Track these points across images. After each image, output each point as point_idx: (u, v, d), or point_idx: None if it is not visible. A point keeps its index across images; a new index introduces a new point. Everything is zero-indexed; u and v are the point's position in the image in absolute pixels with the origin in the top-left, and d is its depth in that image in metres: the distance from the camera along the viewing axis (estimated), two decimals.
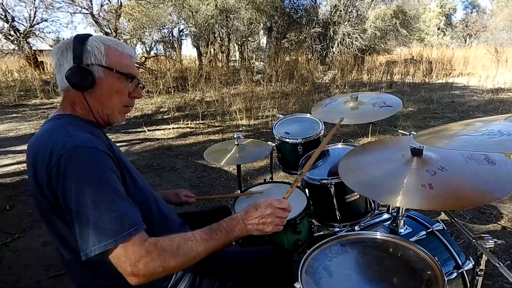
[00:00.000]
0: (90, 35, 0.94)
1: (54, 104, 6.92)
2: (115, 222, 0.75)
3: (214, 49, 10.76)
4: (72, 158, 0.77)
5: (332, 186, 1.42)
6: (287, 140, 1.87)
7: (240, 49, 12.48)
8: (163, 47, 12.86)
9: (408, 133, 1.44)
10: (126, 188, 0.88)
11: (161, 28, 12.20)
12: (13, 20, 9.58)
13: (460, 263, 1.14)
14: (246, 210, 0.95)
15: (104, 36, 0.97)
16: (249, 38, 12.35)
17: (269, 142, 1.90)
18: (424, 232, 1.21)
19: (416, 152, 1.01)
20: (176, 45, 12.92)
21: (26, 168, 0.94)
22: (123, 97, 0.97)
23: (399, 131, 1.53)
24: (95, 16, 9.57)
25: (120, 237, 0.75)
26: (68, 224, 0.80)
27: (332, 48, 10.66)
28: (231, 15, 10.65)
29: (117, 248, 0.75)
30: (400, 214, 1.21)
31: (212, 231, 0.88)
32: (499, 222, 2.39)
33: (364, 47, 10.63)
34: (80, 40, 0.90)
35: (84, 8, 9.44)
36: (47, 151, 0.79)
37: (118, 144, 4.33)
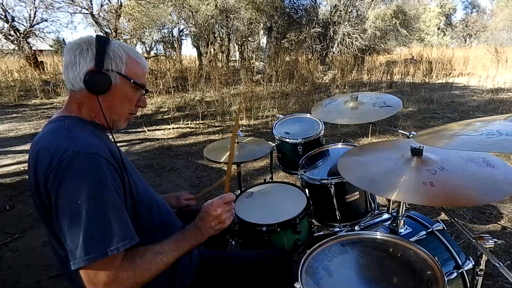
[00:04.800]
0: (109, 38, 0.94)
1: (54, 104, 6.91)
2: (100, 237, 0.77)
3: (214, 49, 10.76)
4: (72, 164, 0.77)
5: (332, 186, 1.42)
6: (287, 140, 1.87)
7: (240, 49, 12.48)
8: (163, 47, 12.85)
9: (408, 133, 1.44)
10: (126, 195, 0.88)
11: (161, 28, 12.20)
12: (13, 20, 9.58)
13: (460, 263, 1.14)
14: (200, 217, 1.01)
15: (123, 42, 0.97)
16: (249, 38, 12.35)
17: (269, 142, 1.90)
18: (424, 232, 1.21)
19: (416, 152, 1.01)
20: (176, 45, 12.92)
21: (26, 168, 0.93)
22: (131, 105, 0.99)
23: (399, 131, 1.53)
24: (95, 16, 9.56)
25: (100, 254, 0.76)
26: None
27: (332, 48, 10.65)
28: (231, 15, 10.65)
29: (95, 264, 0.76)
30: (400, 214, 1.21)
31: (178, 241, 0.94)
32: (499, 222, 2.39)
33: (364, 47, 10.62)
34: (103, 44, 0.90)
35: (84, 8, 9.43)
36: (49, 153, 0.79)
37: (118, 144, 4.35)
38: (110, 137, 0.97)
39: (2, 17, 9.36)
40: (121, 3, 9.58)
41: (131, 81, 0.93)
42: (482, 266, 0.95)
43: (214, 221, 1.00)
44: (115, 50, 0.91)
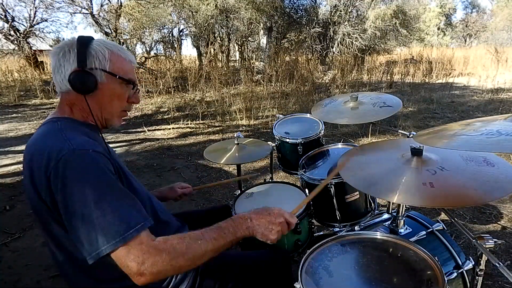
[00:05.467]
0: (92, 37, 0.94)
1: (54, 104, 6.92)
2: (120, 220, 0.75)
3: (214, 49, 10.77)
4: (70, 162, 0.77)
5: (332, 186, 1.42)
6: (287, 140, 1.87)
7: (240, 49, 12.48)
8: (163, 47, 12.85)
9: (408, 133, 1.44)
10: None
11: (161, 28, 12.19)
12: (13, 20, 9.58)
13: (460, 263, 1.14)
14: (256, 211, 0.94)
15: (106, 40, 0.97)
16: (249, 38, 12.35)
17: (269, 142, 1.90)
18: (424, 232, 1.21)
19: (416, 152, 1.01)
20: (176, 45, 12.92)
21: None
22: (122, 102, 0.98)
23: (399, 131, 1.53)
24: (95, 16, 9.56)
25: (128, 234, 0.74)
26: (64, 227, 0.79)
27: (332, 48, 10.65)
28: (231, 15, 10.65)
29: (124, 246, 0.74)
30: (400, 214, 1.21)
31: (220, 230, 0.87)
32: (499, 222, 2.39)
33: (364, 47, 10.63)
34: (85, 43, 0.90)
35: (84, 8, 9.43)
36: (44, 155, 0.79)
37: (118, 144, 4.38)
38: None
39: (2, 17, 9.36)
40: (121, 3, 9.59)
41: (117, 77, 0.93)
42: (482, 266, 0.95)
43: (269, 223, 0.91)
44: (97, 48, 0.91)
